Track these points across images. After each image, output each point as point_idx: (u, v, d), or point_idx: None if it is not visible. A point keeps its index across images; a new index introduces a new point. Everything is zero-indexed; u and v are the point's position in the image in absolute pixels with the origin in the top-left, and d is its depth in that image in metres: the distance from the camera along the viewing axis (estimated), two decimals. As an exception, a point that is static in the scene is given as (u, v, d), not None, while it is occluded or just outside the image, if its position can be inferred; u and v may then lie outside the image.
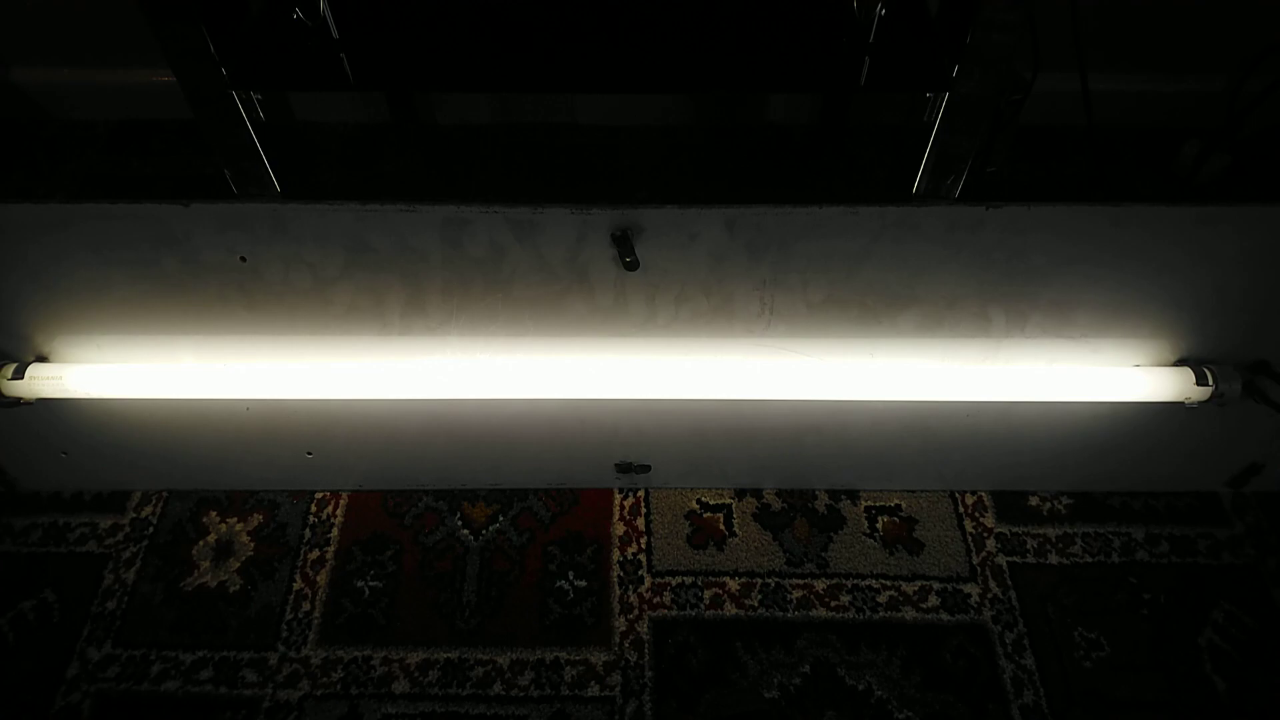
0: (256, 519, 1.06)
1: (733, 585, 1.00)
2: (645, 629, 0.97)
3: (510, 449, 1.03)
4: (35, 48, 1.37)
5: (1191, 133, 1.34)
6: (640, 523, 1.06)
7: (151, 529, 1.05)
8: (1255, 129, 1.29)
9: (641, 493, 1.08)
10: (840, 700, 0.92)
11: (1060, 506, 1.07)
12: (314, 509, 1.07)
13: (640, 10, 0.99)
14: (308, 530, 1.05)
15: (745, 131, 1.46)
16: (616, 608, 0.99)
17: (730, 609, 0.99)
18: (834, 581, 1.01)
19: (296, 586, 1.01)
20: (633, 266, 0.81)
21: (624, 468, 1.05)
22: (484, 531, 1.05)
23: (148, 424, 0.99)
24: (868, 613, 0.98)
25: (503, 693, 0.93)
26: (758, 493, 1.08)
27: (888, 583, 1.01)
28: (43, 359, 0.91)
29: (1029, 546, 1.03)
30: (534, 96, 1.42)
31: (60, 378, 0.89)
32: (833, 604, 0.99)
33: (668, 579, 1.01)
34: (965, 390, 0.89)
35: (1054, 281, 0.84)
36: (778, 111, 1.44)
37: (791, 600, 0.99)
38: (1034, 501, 1.07)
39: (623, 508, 1.07)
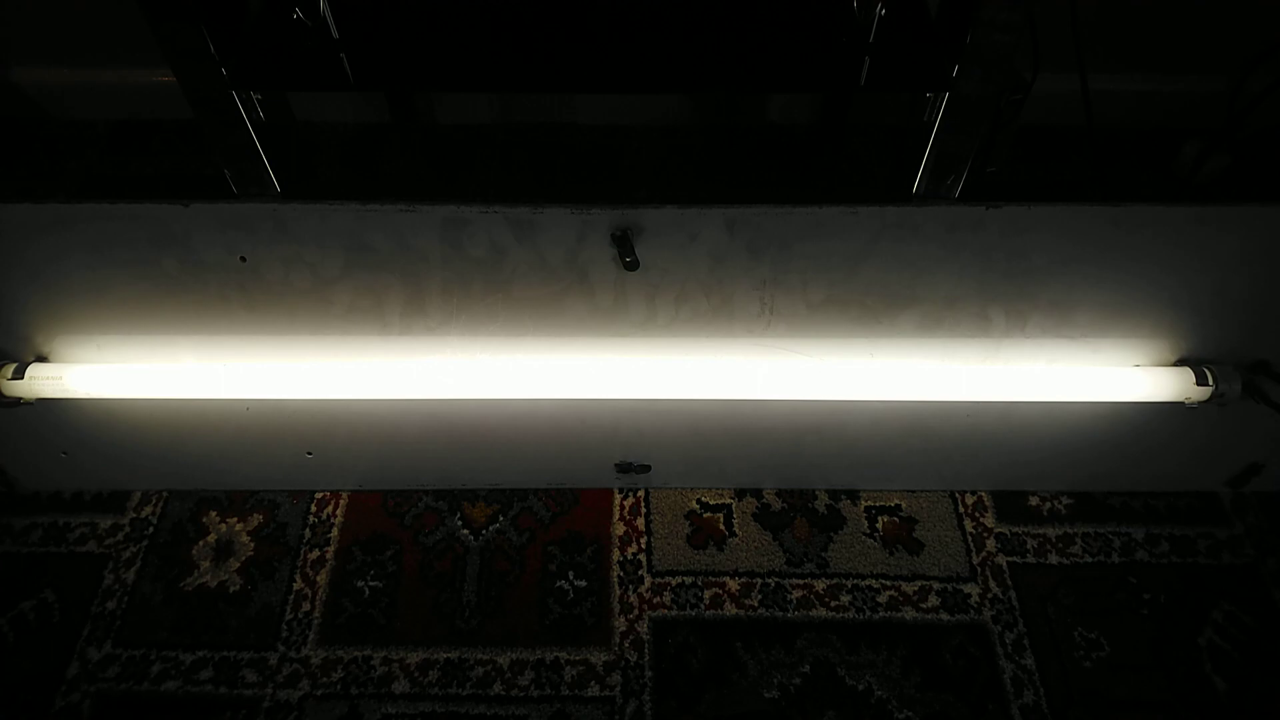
0: (256, 519, 1.06)
1: (733, 585, 1.00)
2: (645, 629, 0.97)
3: (510, 449, 1.03)
4: (35, 48, 1.37)
5: (1191, 133, 1.34)
6: (640, 523, 1.06)
7: (151, 529, 1.05)
8: (1255, 129, 1.28)
9: (641, 493, 1.08)
10: (840, 700, 0.92)
11: (1060, 506, 1.07)
12: (314, 509, 1.07)
13: (640, 10, 0.99)
14: (308, 530, 1.05)
15: (745, 131, 1.46)
16: (616, 608, 0.99)
17: (730, 609, 0.99)
18: (834, 581, 1.01)
19: (296, 586, 1.01)
20: (633, 266, 0.81)
21: (624, 468, 1.05)
22: (484, 531, 1.05)
23: (148, 424, 0.99)
24: (868, 613, 0.98)
25: (503, 693, 0.93)
26: (758, 493, 1.08)
27: (888, 583, 1.01)
28: (43, 359, 0.91)
29: (1029, 546, 1.03)
30: (534, 96, 1.42)
31: (60, 378, 0.89)
32: (833, 604, 0.99)
33: (668, 579, 1.01)
34: (965, 390, 0.89)
35: (1054, 281, 0.84)
36: (778, 111, 1.43)
37: (791, 600, 0.99)
38: (1034, 501, 1.07)
39: (623, 508, 1.07)
